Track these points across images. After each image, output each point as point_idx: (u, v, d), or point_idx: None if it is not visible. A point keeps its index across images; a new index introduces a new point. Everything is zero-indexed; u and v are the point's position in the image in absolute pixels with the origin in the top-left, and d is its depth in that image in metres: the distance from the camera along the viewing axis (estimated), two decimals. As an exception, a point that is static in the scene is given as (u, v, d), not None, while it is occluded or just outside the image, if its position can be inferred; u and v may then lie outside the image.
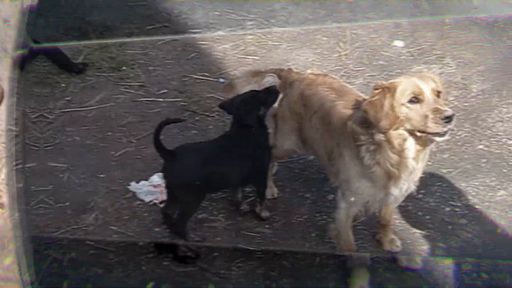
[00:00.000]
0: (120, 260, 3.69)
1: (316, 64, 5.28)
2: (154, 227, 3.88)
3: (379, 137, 3.09)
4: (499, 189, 4.10)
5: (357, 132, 3.15)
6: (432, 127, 2.97)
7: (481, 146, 4.46)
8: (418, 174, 3.24)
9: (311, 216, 3.98)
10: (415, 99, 3.02)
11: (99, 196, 4.11)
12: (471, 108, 4.83)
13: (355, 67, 5.33)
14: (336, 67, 5.28)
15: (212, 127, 4.68)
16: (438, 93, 3.07)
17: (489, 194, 4.09)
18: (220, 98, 4.45)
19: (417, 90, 3.03)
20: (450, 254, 3.66)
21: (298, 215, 4.01)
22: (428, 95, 3.02)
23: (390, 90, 3.05)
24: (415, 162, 3.14)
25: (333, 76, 3.80)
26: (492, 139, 4.51)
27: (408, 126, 3.04)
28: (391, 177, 3.16)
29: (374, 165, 3.15)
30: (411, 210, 3.98)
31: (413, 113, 3.01)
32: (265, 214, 3.95)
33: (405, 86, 3.04)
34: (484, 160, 4.34)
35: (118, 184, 4.20)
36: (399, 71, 5.21)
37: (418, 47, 5.49)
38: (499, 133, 4.55)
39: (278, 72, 3.81)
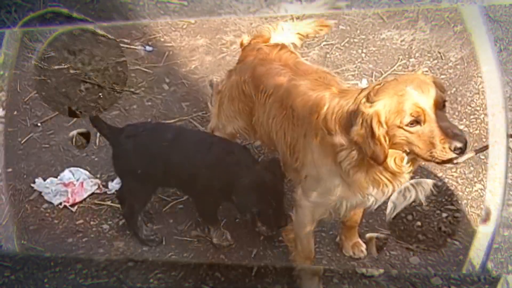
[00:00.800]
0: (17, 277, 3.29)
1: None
2: (67, 238, 3.44)
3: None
4: (475, 182, 3.81)
5: (340, 142, 2.79)
6: (440, 158, 2.57)
7: (461, 127, 4.14)
8: (405, 180, 2.90)
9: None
10: (415, 121, 2.60)
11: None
12: (449, 81, 4.52)
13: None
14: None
15: (136, 107, 4.15)
16: (443, 103, 2.63)
17: (468, 189, 3.80)
18: (146, 70, 4.02)
19: (415, 109, 2.59)
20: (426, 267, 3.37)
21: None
22: (431, 113, 2.57)
23: (374, 116, 2.62)
24: (409, 174, 2.82)
25: (291, 49, 3.43)
26: (472, 117, 4.23)
27: (407, 150, 2.67)
28: (378, 184, 2.82)
29: (357, 172, 2.79)
30: (398, 214, 3.61)
31: (415, 138, 2.61)
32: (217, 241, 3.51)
33: (398, 104, 2.60)
34: None
35: (22, 181, 3.75)
36: (363, 37, 4.87)
37: (387, 9, 5.10)
38: (477, 108, 4.27)
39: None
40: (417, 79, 2.63)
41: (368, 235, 3.39)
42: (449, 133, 2.54)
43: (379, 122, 2.59)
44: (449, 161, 2.57)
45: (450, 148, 2.53)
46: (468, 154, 2.60)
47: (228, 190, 3.17)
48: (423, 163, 3.68)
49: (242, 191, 3.13)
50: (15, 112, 4.12)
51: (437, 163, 2.61)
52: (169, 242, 3.46)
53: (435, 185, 3.57)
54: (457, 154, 2.54)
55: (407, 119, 2.57)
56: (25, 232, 3.47)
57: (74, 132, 3.87)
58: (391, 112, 2.58)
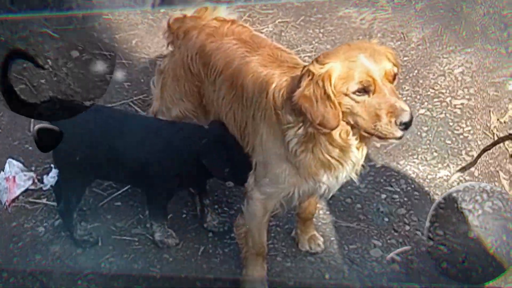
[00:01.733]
0: None
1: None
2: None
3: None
4: (440, 168, 3.72)
5: (287, 120, 2.72)
6: (384, 132, 2.55)
7: (423, 111, 4.07)
8: (361, 161, 2.82)
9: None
10: (364, 90, 2.54)
11: None
12: (411, 63, 4.43)
13: (263, 10, 4.83)
14: (237, 10, 4.66)
15: (45, 82, 3.90)
16: (393, 76, 2.59)
17: (430, 175, 3.71)
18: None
19: (366, 78, 2.53)
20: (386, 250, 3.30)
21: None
22: (382, 84, 2.53)
23: (326, 77, 2.56)
24: (360, 153, 2.73)
25: (243, 23, 3.35)
26: (435, 100, 4.13)
27: (351, 121, 2.61)
28: (328, 167, 2.75)
29: (304, 152, 2.71)
30: (337, 197, 3.51)
31: (360, 108, 2.56)
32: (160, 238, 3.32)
33: (348, 70, 2.55)
34: (425, 129, 3.97)
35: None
36: (320, 16, 4.75)
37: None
38: (442, 91, 4.18)
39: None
40: (371, 48, 2.57)
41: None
42: (397, 108, 2.51)
43: (331, 83, 2.52)
44: (392, 136, 2.54)
45: (396, 123, 2.50)
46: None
47: (186, 175, 3.08)
48: (378, 145, 3.76)
49: (209, 150, 3.02)
50: None
51: (379, 137, 2.59)
52: (106, 242, 3.26)
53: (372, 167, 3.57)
54: (401, 129, 2.51)
55: (356, 86, 2.52)
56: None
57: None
58: (340, 77, 2.53)
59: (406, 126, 2.51)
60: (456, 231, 2.96)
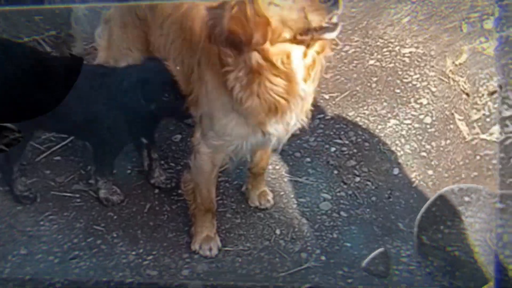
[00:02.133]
0: None
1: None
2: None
3: (255, 59, 2.57)
4: (390, 118, 3.70)
5: (225, 54, 2.63)
6: (315, 19, 2.47)
7: (372, 62, 4.03)
8: (309, 101, 2.76)
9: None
10: None
11: None
12: (360, 14, 4.35)
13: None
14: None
15: None
16: None
17: (380, 125, 3.69)
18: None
19: None
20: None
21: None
22: None
23: None
24: (307, 85, 2.65)
25: None
26: (384, 50, 4.09)
27: (287, 33, 2.53)
28: (276, 111, 2.66)
29: (249, 97, 2.62)
30: (286, 151, 3.45)
31: (286, 10, 2.50)
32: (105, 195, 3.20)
33: None
34: (375, 79, 3.94)
35: None
36: None
37: None
38: (391, 41, 4.14)
39: None
40: None
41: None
42: None
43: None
44: (326, 21, 2.47)
45: (321, 1, 2.43)
46: None
47: (131, 120, 2.95)
48: (327, 96, 3.72)
49: (149, 87, 2.90)
50: None
51: (315, 31, 2.49)
52: (45, 198, 3.13)
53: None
54: (330, 5, 2.42)
55: None
56: None
57: None
58: None
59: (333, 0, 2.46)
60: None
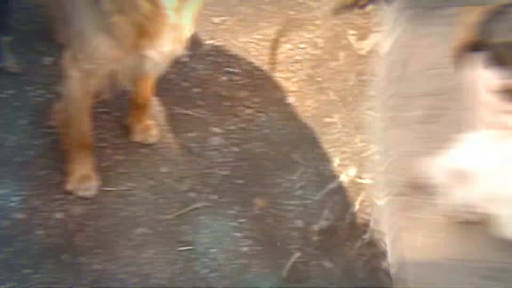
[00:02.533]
0: None
1: None
2: None
3: None
4: (283, 42, 3.58)
5: None
6: None
7: None
8: (186, 30, 2.62)
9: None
10: None
11: None
12: None
13: None
14: None
15: None
16: None
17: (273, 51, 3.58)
18: None
19: None
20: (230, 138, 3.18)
21: None
22: None
23: None
24: (178, 16, 2.50)
25: None
26: None
27: None
28: (147, 35, 2.52)
29: (116, 12, 2.45)
30: (173, 80, 3.27)
31: None
32: None
33: None
34: (267, 0, 3.80)
35: None
36: None
37: None
38: None
39: None
40: None
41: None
42: None
43: None
44: None
45: None
46: None
47: None
48: (217, 20, 3.54)
49: None
50: None
51: None
52: None
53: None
54: None
55: None
56: None
57: None
58: None
59: None
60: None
